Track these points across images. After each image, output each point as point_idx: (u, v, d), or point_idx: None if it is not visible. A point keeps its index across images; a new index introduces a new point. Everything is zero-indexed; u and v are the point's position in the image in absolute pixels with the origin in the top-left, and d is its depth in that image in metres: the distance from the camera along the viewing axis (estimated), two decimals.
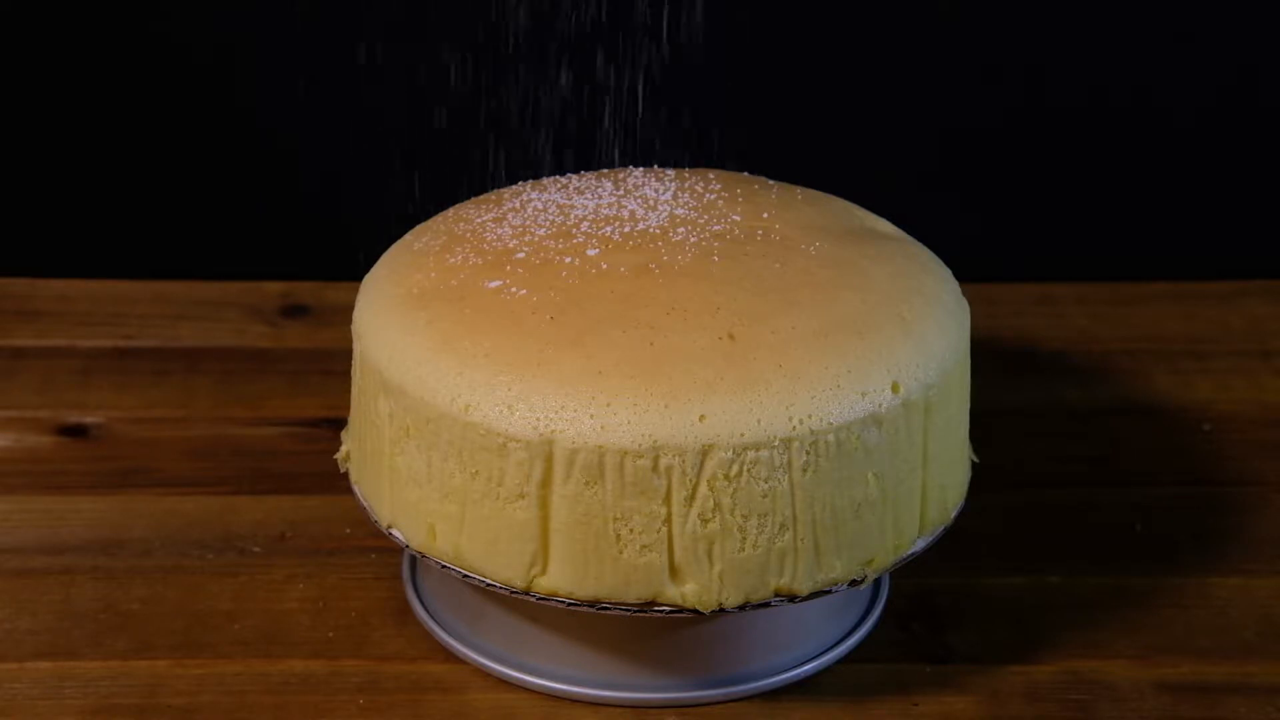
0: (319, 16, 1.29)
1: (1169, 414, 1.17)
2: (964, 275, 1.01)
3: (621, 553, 0.90)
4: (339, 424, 1.06)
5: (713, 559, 0.90)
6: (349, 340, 0.98)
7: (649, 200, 0.99)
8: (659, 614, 0.91)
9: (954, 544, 1.04)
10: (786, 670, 0.96)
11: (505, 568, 0.92)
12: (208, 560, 1.04)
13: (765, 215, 0.98)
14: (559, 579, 0.91)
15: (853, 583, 0.93)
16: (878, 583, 1.01)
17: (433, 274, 0.96)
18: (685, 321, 0.91)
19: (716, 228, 0.97)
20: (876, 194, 1.07)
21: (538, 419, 0.89)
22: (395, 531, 0.95)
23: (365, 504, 0.97)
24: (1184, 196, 1.34)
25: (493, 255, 0.96)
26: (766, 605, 0.91)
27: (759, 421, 0.89)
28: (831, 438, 0.90)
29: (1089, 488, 1.11)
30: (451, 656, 0.98)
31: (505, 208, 1.00)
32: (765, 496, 0.90)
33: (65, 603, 1.01)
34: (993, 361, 1.17)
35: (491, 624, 0.96)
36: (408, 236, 1.01)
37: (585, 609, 0.91)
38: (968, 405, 0.99)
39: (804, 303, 0.92)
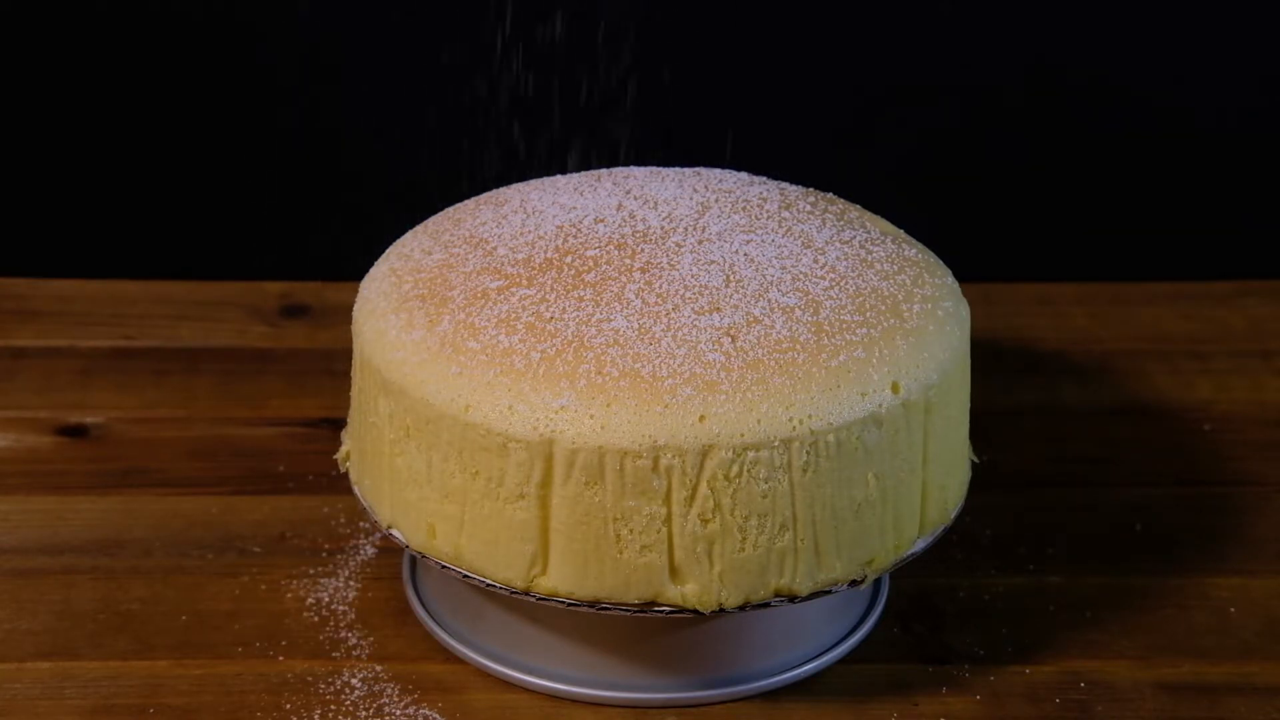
0: (319, 17, 1.29)
1: (1169, 414, 1.17)
2: (964, 275, 1.01)
3: (622, 553, 0.90)
4: (339, 424, 1.06)
5: (713, 559, 0.90)
6: (349, 340, 0.98)
7: (649, 200, 0.99)
8: (659, 614, 0.91)
9: (954, 544, 1.04)
10: (786, 670, 0.96)
11: (505, 568, 0.92)
12: (208, 560, 1.04)
13: (764, 215, 0.98)
14: (559, 579, 0.91)
15: (853, 583, 0.93)
16: (878, 583, 1.01)
17: (433, 274, 0.96)
18: (685, 321, 0.91)
19: (716, 228, 0.97)
20: (876, 194, 1.07)
21: (538, 419, 0.89)
22: (395, 531, 0.95)
23: (365, 504, 0.97)
24: (1184, 196, 1.34)
25: (493, 255, 0.95)
26: (766, 605, 0.91)
27: (759, 422, 0.89)
28: (831, 438, 0.90)
29: (1089, 488, 1.11)
30: (451, 656, 0.98)
31: (506, 208, 1.00)
32: (765, 497, 0.90)
33: (65, 603, 1.01)
34: (993, 361, 1.17)
35: (491, 624, 0.96)
36: (408, 236, 1.01)
37: (585, 609, 0.91)
38: (967, 405, 0.99)
39: (804, 303, 0.92)
